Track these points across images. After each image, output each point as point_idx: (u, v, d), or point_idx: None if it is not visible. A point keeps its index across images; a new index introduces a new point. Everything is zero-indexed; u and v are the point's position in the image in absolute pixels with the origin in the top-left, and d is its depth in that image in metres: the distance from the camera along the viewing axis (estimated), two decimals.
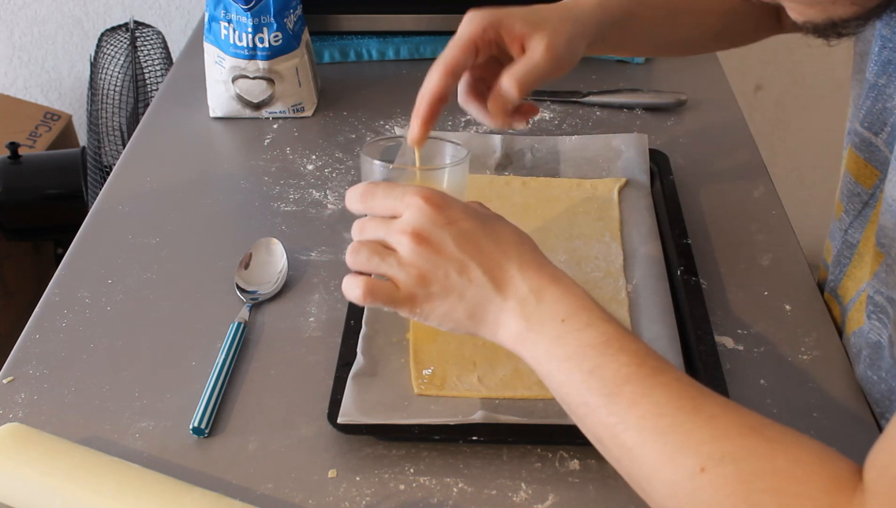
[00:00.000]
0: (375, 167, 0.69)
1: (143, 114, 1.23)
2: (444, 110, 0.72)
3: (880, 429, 0.70)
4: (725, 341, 0.77)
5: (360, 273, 0.62)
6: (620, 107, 1.11)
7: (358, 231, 0.63)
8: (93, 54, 1.66)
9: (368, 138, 0.67)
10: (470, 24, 0.72)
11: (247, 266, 0.85)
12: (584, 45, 0.75)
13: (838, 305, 0.81)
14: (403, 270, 0.60)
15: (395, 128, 1.02)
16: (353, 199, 0.64)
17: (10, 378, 0.75)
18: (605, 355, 0.56)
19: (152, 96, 1.59)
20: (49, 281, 0.85)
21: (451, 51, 0.73)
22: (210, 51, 1.07)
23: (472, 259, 0.60)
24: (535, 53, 0.70)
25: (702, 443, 0.52)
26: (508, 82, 0.69)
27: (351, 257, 0.62)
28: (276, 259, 0.85)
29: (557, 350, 0.58)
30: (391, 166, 0.70)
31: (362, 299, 0.61)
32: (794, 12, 0.61)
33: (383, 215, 0.62)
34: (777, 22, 0.89)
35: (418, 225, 0.60)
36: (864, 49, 0.75)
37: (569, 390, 0.57)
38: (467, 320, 0.61)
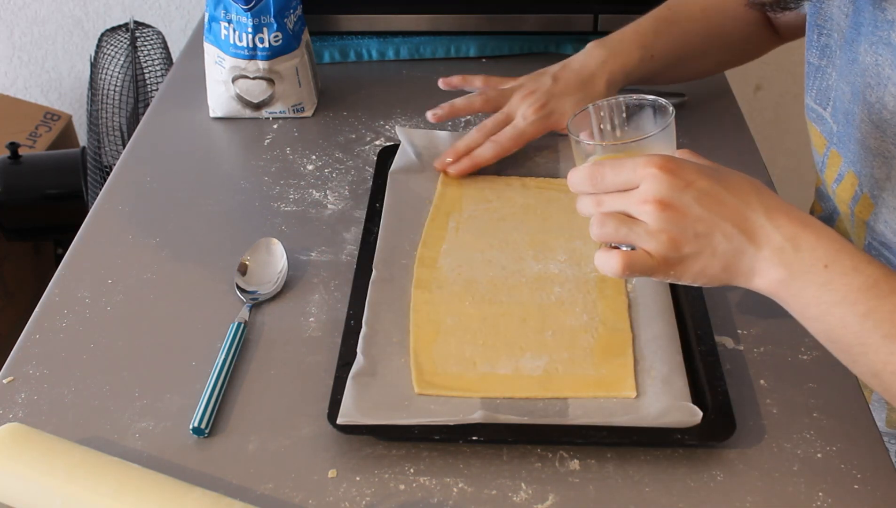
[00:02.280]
0: (591, 147, 0.69)
1: (143, 114, 1.23)
2: None
3: (880, 428, 0.70)
4: (725, 341, 0.77)
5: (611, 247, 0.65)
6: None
7: (593, 203, 0.65)
8: (93, 54, 1.66)
9: (569, 119, 0.70)
10: (530, 127, 0.93)
11: (246, 266, 0.85)
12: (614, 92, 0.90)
13: None
14: (654, 237, 0.62)
15: (396, 127, 1.02)
16: (581, 181, 0.65)
17: (10, 378, 0.75)
18: (877, 297, 0.59)
19: (152, 96, 1.59)
20: (49, 281, 0.85)
21: (509, 142, 0.93)
22: (210, 51, 1.07)
23: (717, 215, 0.61)
24: None
25: None
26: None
27: (598, 229, 0.64)
28: (276, 259, 0.85)
29: (826, 296, 0.60)
30: (604, 144, 0.70)
31: (621, 272, 0.63)
32: None
33: (617, 190, 0.64)
34: (776, 35, 1.02)
35: (659, 193, 0.61)
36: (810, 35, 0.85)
37: (842, 332, 0.60)
38: (722, 273, 0.63)
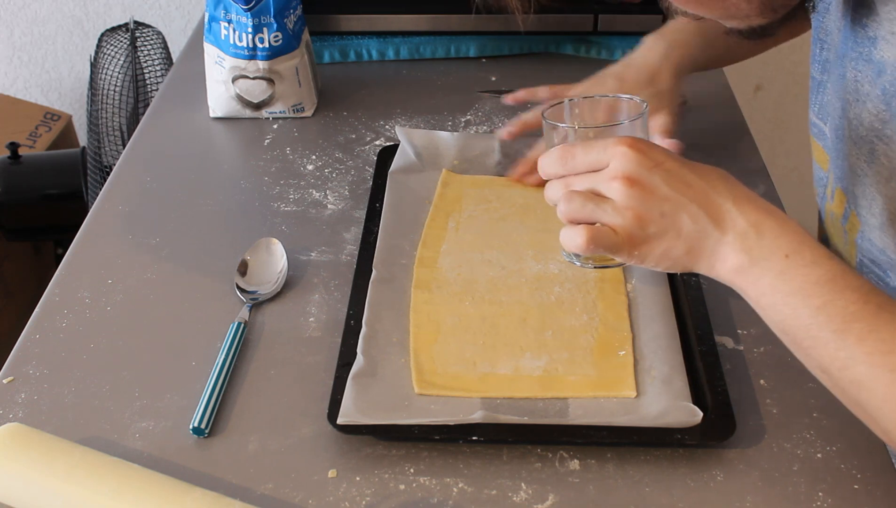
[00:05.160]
0: (563, 130, 0.70)
1: (143, 114, 1.23)
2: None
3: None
4: (725, 341, 0.77)
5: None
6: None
7: (562, 186, 0.65)
8: (93, 54, 1.66)
9: (544, 108, 0.71)
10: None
11: (247, 266, 0.85)
12: (680, 84, 0.90)
13: None
14: (620, 214, 0.62)
15: (396, 127, 1.02)
16: (551, 162, 0.66)
17: (10, 378, 0.75)
18: (833, 292, 0.59)
19: (152, 96, 1.59)
20: (49, 281, 0.85)
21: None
22: (210, 51, 1.07)
23: (684, 197, 0.62)
24: (664, 122, 0.88)
25: None
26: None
27: (565, 206, 0.64)
28: (276, 259, 0.85)
29: (783, 286, 0.60)
30: (578, 127, 0.70)
31: (585, 246, 0.62)
32: (722, 21, 0.68)
33: (587, 170, 0.64)
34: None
35: (627, 170, 0.61)
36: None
37: (794, 323, 0.60)
38: (685, 256, 0.63)
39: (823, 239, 0.88)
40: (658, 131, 0.88)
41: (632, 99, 0.71)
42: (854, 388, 0.59)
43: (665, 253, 0.63)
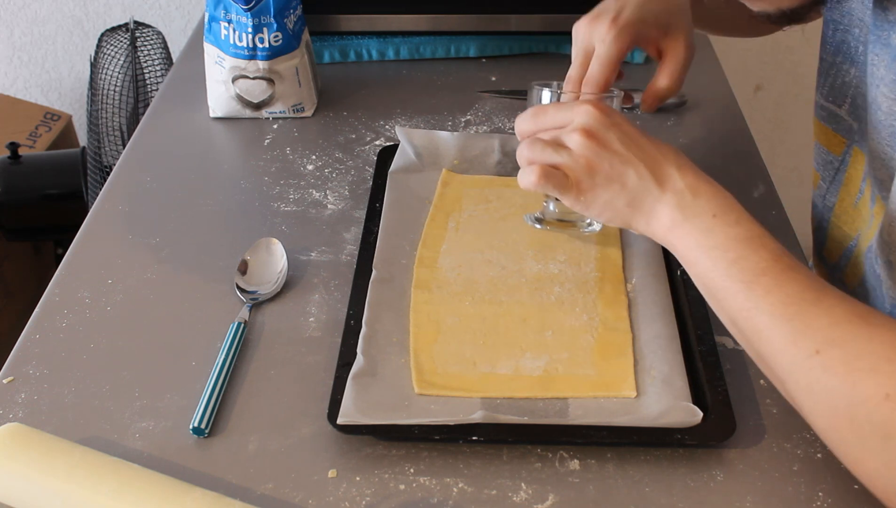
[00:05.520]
0: (545, 93, 0.79)
1: (143, 114, 1.23)
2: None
3: None
4: (725, 341, 0.77)
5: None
6: (632, 109, 1.11)
7: (529, 142, 0.73)
8: (93, 54, 1.66)
9: (534, 83, 0.81)
10: (614, 44, 0.82)
11: (247, 266, 0.85)
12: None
13: (826, 270, 0.86)
14: (574, 160, 0.69)
15: (396, 127, 1.02)
16: (524, 120, 0.74)
17: (10, 378, 0.75)
18: (749, 248, 0.64)
19: (152, 96, 1.59)
20: (49, 281, 0.85)
21: (601, 72, 0.82)
22: (210, 51, 1.07)
23: (634, 156, 0.69)
24: (678, 53, 0.84)
25: (819, 329, 0.60)
26: (666, 80, 0.84)
27: (526, 150, 0.72)
28: (276, 259, 0.85)
29: (706, 241, 0.66)
30: (556, 84, 0.81)
31: (536, 182, 0.70)
32: (749, 2, 0.71)
33: (554, 127, 0.72)
34: None
35: (587, 124, 0.69)
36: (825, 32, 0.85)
37: (712, 275, 0.66)
38: (626, 207, 0.70)
39: (817, 228, 0.89)
40: (673, 68, 0.84)
41: (612, 90, 0.80)
42: (756, 337, 0.63)
43: (608, 202, 0.70)
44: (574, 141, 0.70)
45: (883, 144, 0.73)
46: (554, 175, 0.70)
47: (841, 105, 0.82)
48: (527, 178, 0.71)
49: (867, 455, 0.58)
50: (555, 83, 0.81)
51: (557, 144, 0.71)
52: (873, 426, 0.56)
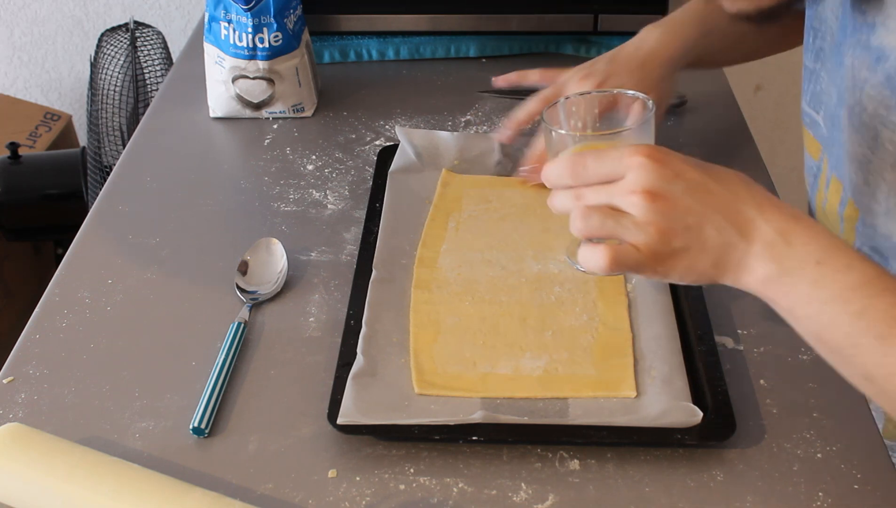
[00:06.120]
0: (565, 137, 0.66)
1: (143, 114, 1.23)
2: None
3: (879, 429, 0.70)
4: (725, 341, 0.77)
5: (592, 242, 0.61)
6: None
7: (573, 197, 0.61)
8: (93, 54, 1.66)
9: (544, 110, 0.68)
10: (580, 83, 0.87)
11: (247, 266, 0.85)
12: (676, 76, 0.90)
13: None
14: (642, 230, 0.59)
15: (396, 127, 1.02)
16: (560, 173, 0.62)
17: (10, 378, 0.75)
18: (871, 296, 0.57)
19: (152, 96, 1.59)
20: (49, 281, 0.85)
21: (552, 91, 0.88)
22: (210, 51, 1.07)
23: (708, 207, 0.59)
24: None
25: None
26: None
27: (582, 223, 0.61)
28: (276, 259, 0.85)
29: (817, 294, 0.58)
30: (579, 134, 0.67)
31: (608, 267, 0.60)
32: (728, 3, 0.69)
33: (600, 182, 0.60)
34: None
35: (647, 183, 0.58)
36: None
37: (833, 332, 0.58)
38: (711, 269, 0.60)
39: None
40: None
41: (636, 96, 0.67)
42: None
43: (690, 267, 0.60)
44: (636, 207, 0.59)
45: (864, 147, 0.72)
46: (626, 254, 0.59)
47: (819, 111, 0.82)
48: (595, 262, 0.60)
49: None
50: (562, 100, 0.69)
51: (616, 212, 0.60)
52: None
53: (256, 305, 0.82)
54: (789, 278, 0.58)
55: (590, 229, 0.61)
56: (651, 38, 0.92)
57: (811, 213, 0.89)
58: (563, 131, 0.67)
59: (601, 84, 0.86)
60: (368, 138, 1.06)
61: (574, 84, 0.88)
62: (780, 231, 0.58)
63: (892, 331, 0.56)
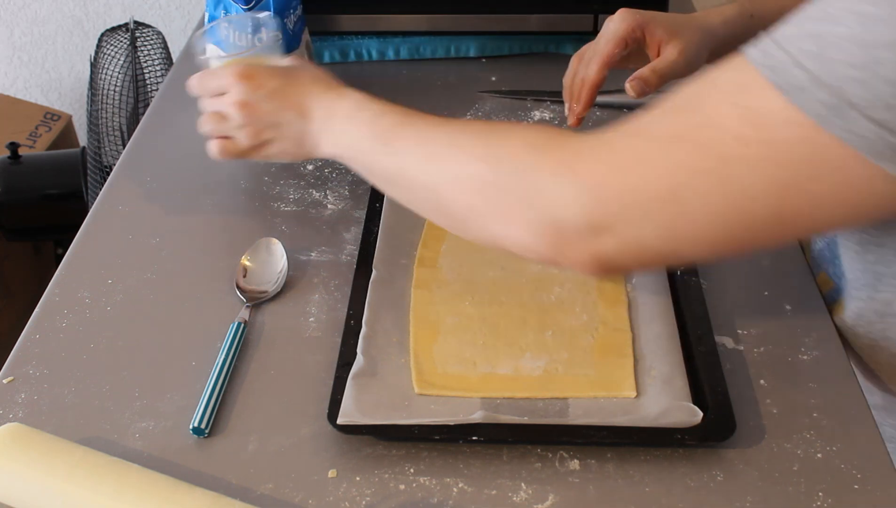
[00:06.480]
0: (205, 60, 0.89)
1: (143, 114, 1.23)
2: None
3: (879, 431, 0.70)
4: (725, 341, 0.77)
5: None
6: (621, 107, 1.11)
7: (204, 118, 0.82)
8: (93, 54, 1.67)
9: (203, 28, 0.91)
10: (622, 22, 0.86)
11: (247, 267, 0.85)
12: (707, 53, 0.87)
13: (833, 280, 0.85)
14: (240, 130, 0.79)
15: None
16: (194, 84, 0.83)
17: (10, 378, 0.75)
18: (394, 125, 0.72)
19: (152, 96, 1.59)
20: (49, 281, 0.85)
21: (607, 46, 0.86)
22: (210, 50, 1.07)
23: (282, 107, 0.78)
24: (671, 56, 0.84)
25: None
26: (651, 73, 0.84)
27: (204, 127, 0.82)
28: (276, 259, 0.85)
29: (355, 139, 0.74)
30: (211, 58, 0.89)
31: (219, 155, 0.81)
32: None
33: (216, 94, 0.80)
34: None
35: (238, 95, 0.78)
36: None
37: (364, 157, 0.74)
38: (296, 149, 0.79)
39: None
40: (661, 65, 0.85)
41: (267, 17, 0.91)
42: (423, 190, 0.69)
43: (281, 151, 0.80)
44: (234, 114, 0.79)
45: None
46: (230, 146, 0.80)
47: None
48: (211, 153, 0.82)
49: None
50: (217, 22, 0.91)
51: (224, 117, 0.79)
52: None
53: (256, 305, 0.82)
54: (338, 138, 0.75)
55: (209, 131, 0.82)
56: (695, 14, 0.91)
57: None
58: (203, 57, 0.88)
59: (634, 13, 0.87)
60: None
61: (613, 24, 0.88)
62: (326, 108, 0.76)
63: (394, 138, 0.71)
